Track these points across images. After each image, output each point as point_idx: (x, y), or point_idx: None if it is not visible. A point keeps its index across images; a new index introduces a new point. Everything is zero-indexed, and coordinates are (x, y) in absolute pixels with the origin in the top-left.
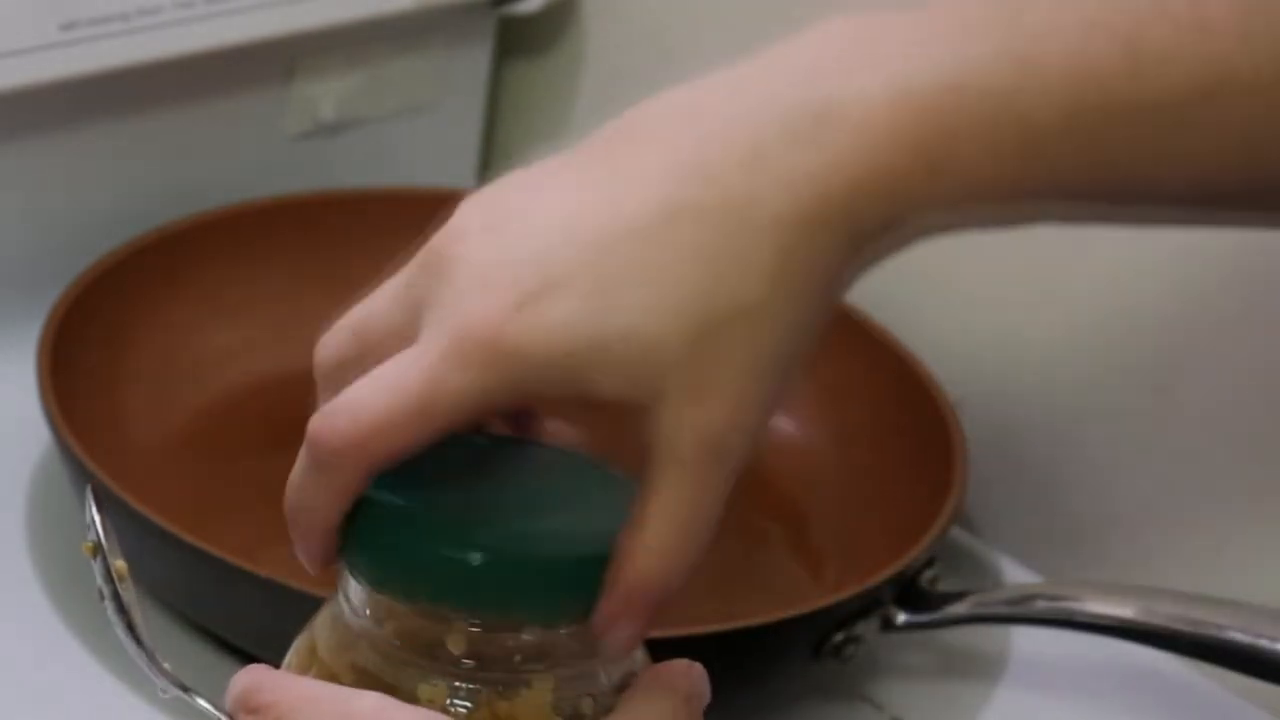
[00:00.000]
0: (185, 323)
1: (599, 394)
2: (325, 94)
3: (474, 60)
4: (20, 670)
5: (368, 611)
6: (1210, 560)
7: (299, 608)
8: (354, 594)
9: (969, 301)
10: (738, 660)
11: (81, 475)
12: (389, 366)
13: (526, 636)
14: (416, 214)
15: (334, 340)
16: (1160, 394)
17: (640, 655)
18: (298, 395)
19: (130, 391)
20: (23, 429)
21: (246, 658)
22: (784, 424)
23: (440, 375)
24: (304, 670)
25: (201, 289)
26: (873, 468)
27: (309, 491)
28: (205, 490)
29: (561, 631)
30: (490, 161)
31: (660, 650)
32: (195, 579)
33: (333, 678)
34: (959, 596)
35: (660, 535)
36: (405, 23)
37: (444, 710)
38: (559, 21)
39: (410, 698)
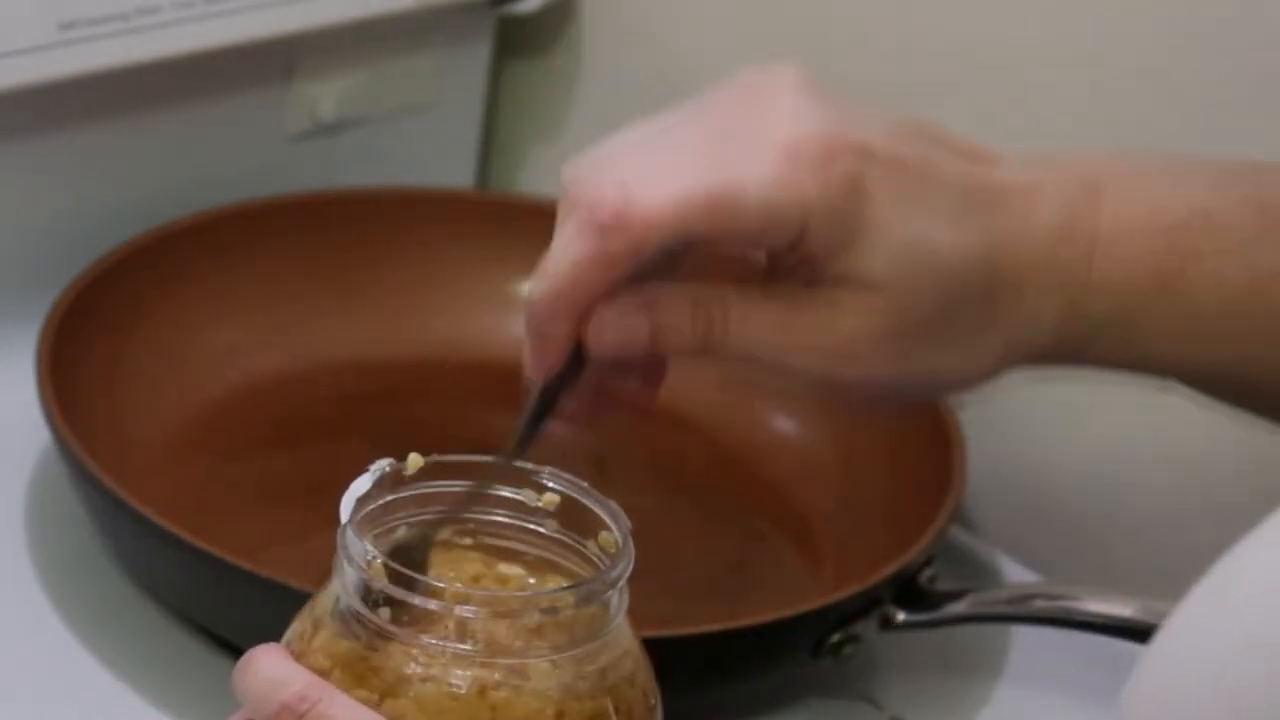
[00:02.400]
0: (185, 322)
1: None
2: (325, 94)
3: (473, 60)
4: (20, 670)
5: (361, 596)
6: (1210, 560)
7: (298, 607)
8: (350, 579)
9: None
10: (738, 659)
11: (81, 475)
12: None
13: (524, 621)
14: (416, 213)
15: None
16: (1161, 394)
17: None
18: (298, 395)
19: (130, 391)
20: (23, 429)
21: None
22: (784, 424)
23: (752, 176)
24: (302, 652)
25: (201, 289)
26: (872, 468)
27: (570, 263)
28: (205, 490)
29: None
30: (490, 161)
31: (661, 650)
32: (195, 579)
33: (327, 662)
34: (958, 596)
35: None
36: (405, 23)
37: (437, 690)
38: (558, 21)
39: (400, 677)
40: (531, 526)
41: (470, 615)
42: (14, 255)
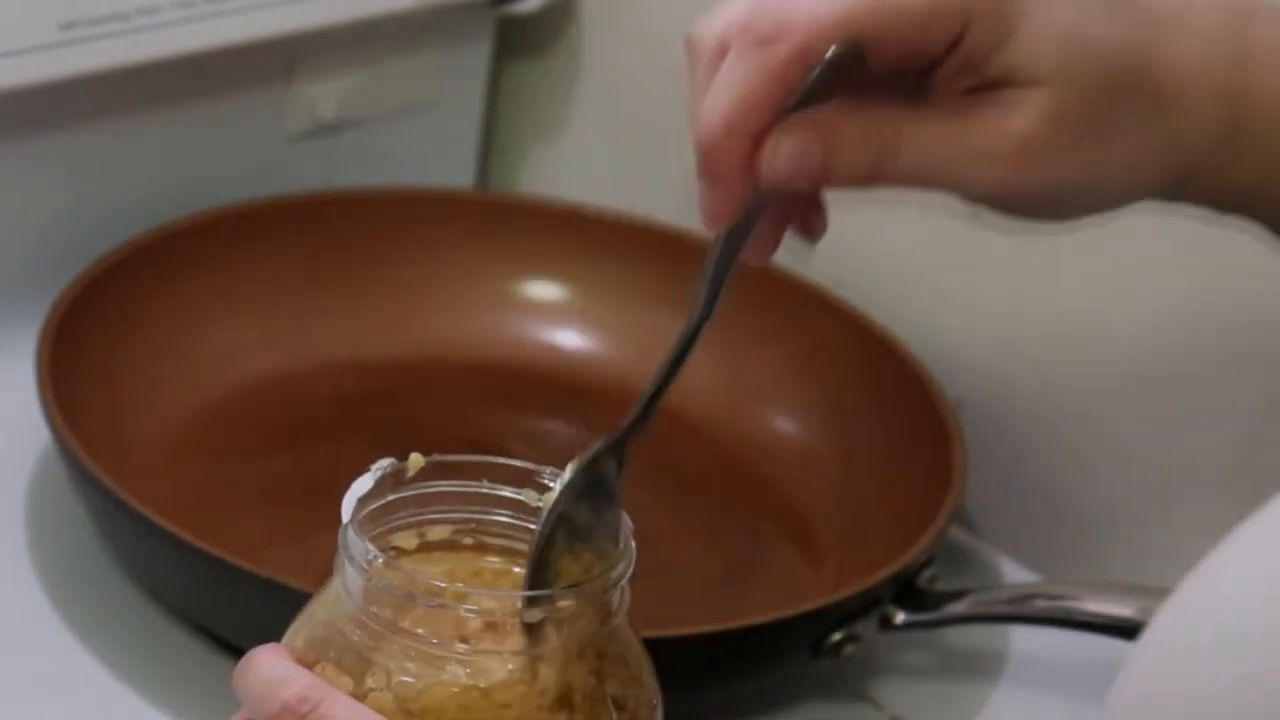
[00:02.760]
0: (185, 323)
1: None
2: (325, 94)
3: (473, 60)
4: (20, 670)
5: (362, 597)
6: None
7: (298, 607)
8: (350, 581)
9: (969, 302)
10: (738, 659)
11: (81, 475)
12: None
13: (525, 620)
14: (416, 213)
15: None
16: (1161, 394)
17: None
18: (298, 395)
19: (130, 391)
20: (23, 429)
21: None
22: (784, 424)
23: None
24: (301, 650)
25: (201, 289)
26: (873, 468)
27: (739, 85)
28: (205, 490)
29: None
30: (489, 161)
31: (661, 650)
32: (195, 579)
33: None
34: (958, 596)
35: None
36: (405, 23)
37: (437, 690)
38: (558, 21)
39: (401, 677)
40: (532, 526)
41: (471, 614)
42: (14, 255)
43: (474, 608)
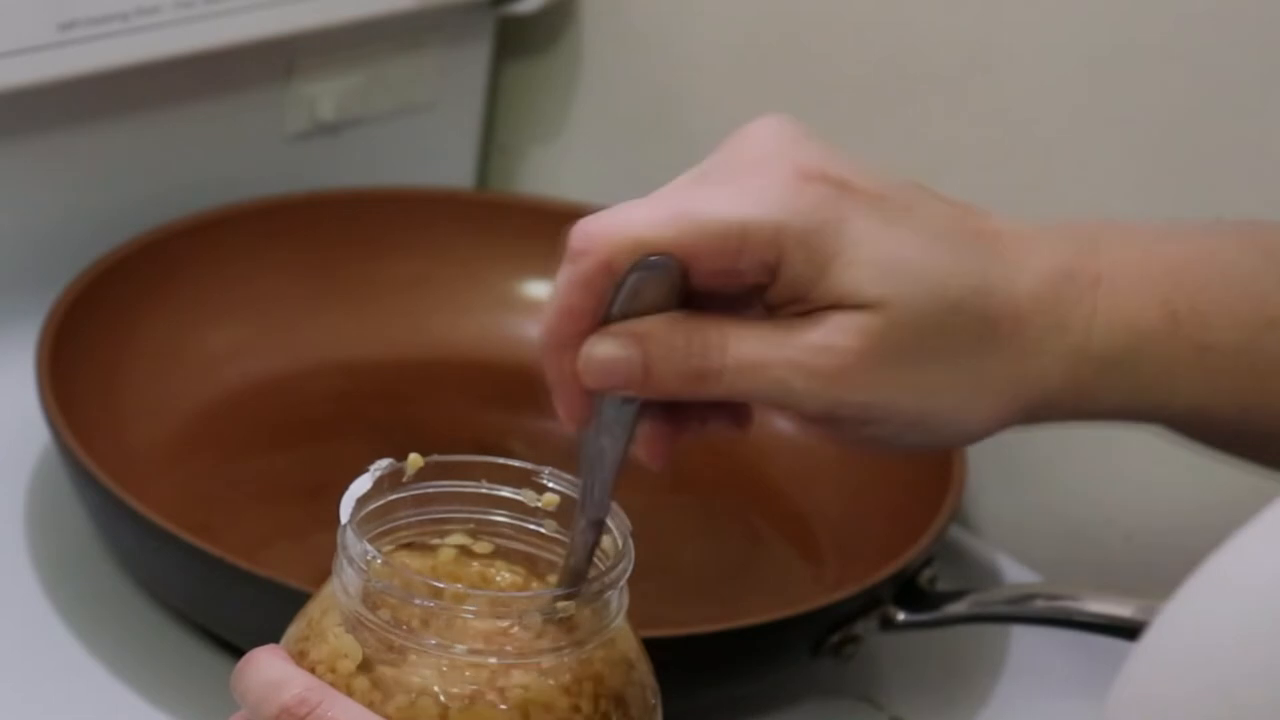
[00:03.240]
0: (185, 323)
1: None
2: (325, 94)
3: (473, 60)
4: (20, 670)
5: (361, 598)
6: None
7: (298, 607)
8: (349, 581)
9: None
10: (738, 659)
11: (81, 475)
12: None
13: (525, 621)
14: (416, 214)
15: None
16: None
17: (631, 642)
18: (297, 395)
19: (130, 391)
20: (23, 429)
21: None
22: (784, 424)
23: (722, 196)
24: (301, 653)
25: (201, 289)
26: (872, 467)
27: (554, 296)
28: (205, 490)
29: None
30: (489, 161)
31: (661, 650)
32: (195, 579)
33: (327, 663)
34: (958, 596)
35: None
36: (405, 23)
37: (436, 691)
38: (558, 21)
39: (400, 678)
40: (531, 526)
41: (470, 615)
42: (14, 255)
43: (472, 609)
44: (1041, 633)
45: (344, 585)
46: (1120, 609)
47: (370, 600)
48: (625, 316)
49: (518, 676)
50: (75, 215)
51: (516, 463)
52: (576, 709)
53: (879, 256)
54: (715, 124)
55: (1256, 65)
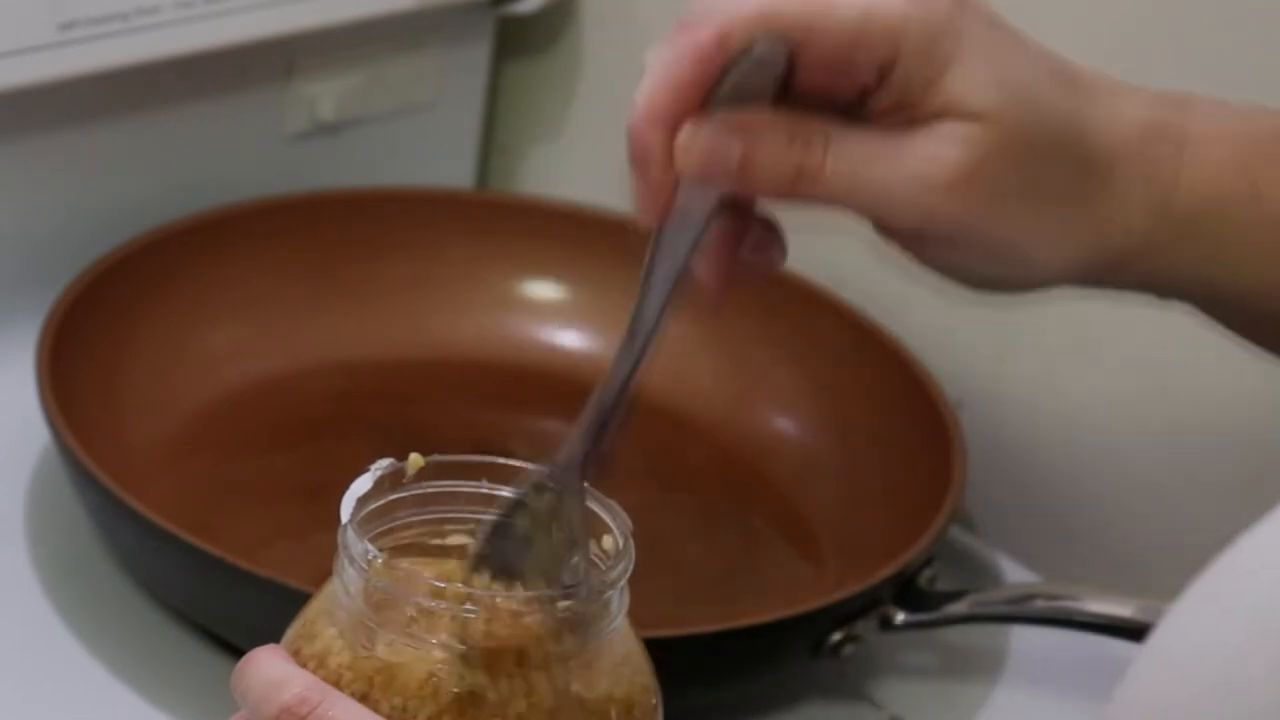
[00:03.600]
0: (185, 323)
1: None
2: (325, 94)
3: (473, 60)
4: (20, 670)
5: (362, 597)
6: (1208, 560)
7: (298, 607)
8: (350, 581)
9: (969, 302)
10: (737, 660)
11: (81, 475)
12: None
13: (525, 621)
14: (416, 214)
15: None
16: (1161, 395)
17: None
18: (297, 395)
19: (130, 391)
20: (23, 429)
21: None
22: (784, 424)
23: None
24: (302, 653)
25: (201, 289)
26: (872, 468)
27: (660, 66)
28: (205, 490)
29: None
30: (489, 161)
31: (661, 650)
32: (195, 579)
33: (327, 663)
34: (958, 596)
35: None
36: (405, 23)
37: (437, 690)
38: (558, 21)
39: (401, 678)
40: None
41: (471, 615)
42: (14, 255)
43: (474, 608)
44: (1041, 633)
45: (345, 585)
46: (1120, 609)
47: (371, 600)
48: (731, 104)
49: (520, 675)
50: (75, 215)
51: (517, 462)
52: (578, 710)
53: (995, 69)
54: None
55: (1256, 66)
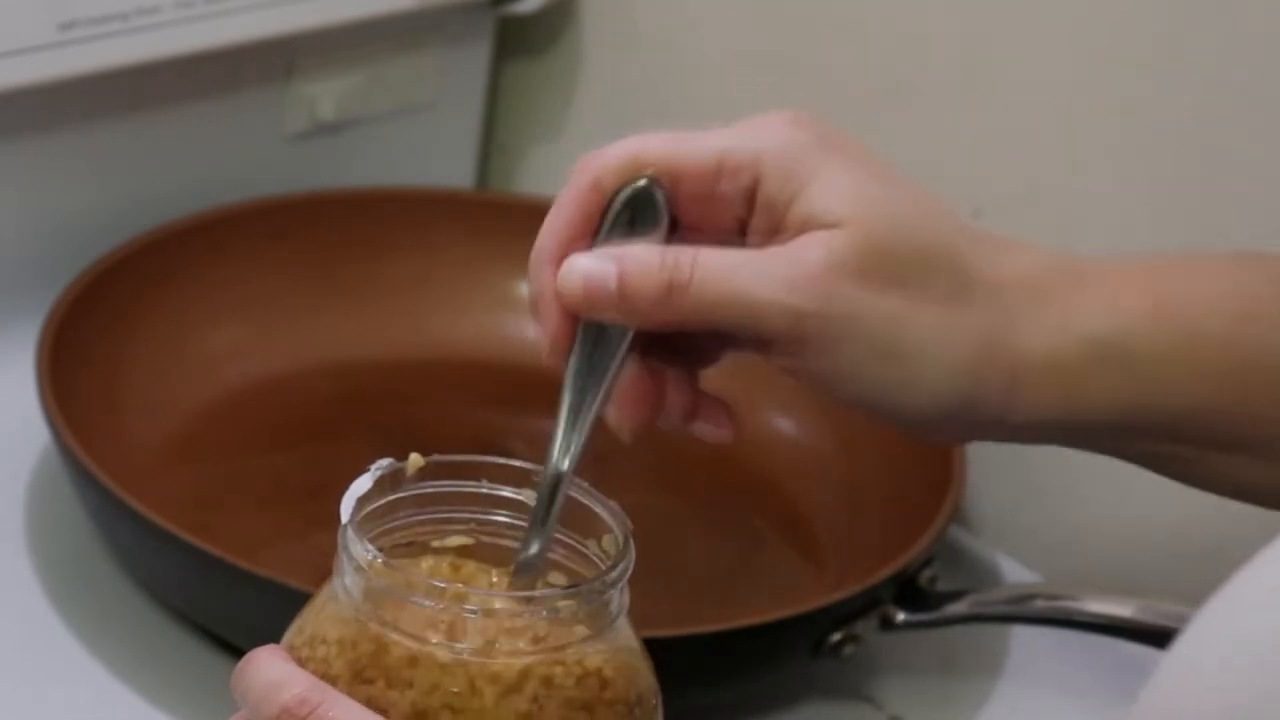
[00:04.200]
0: (185, 322)
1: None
2: (325, 94)
3: (473, 60)
4: (20, 670)
5: (362, 597)
6: (1209, 560)
7: (298, 607)
8: (351, 581)
9: None
10: (737, 659)
11: (81, 475)
12: None
13: (525, 621)
14: (416, 213)
15: None
16: None
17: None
18: (297, 395)
19: (130, 391)
20: (23, 429)
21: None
22: (784, 424)
23: (712, 132)
24: (301, 653)
25: (201, 289)
26: (872, 467)
27: (553, 210)
28: (205, 490)
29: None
30: (489, 161)
31: (661, 649)
32: (195, 579)
33: (327, 663)
34: (958, 596)
35: None
36: (405, 23)
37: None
38: (558, 21)
39: (400, 677)
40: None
41: (471, 615)
42: (14, 255)
43: (474, 608)
44: (1041, 633)
45: (345, 585)
46: (1120, 609)
47: (372, 600)
48: (618, 241)
49: (522, 674)
50: (75, 215)
51: (517, 462)
52: (577, 709)
53: (856, 185)
54: (715, 124)
55: (1256, 65)
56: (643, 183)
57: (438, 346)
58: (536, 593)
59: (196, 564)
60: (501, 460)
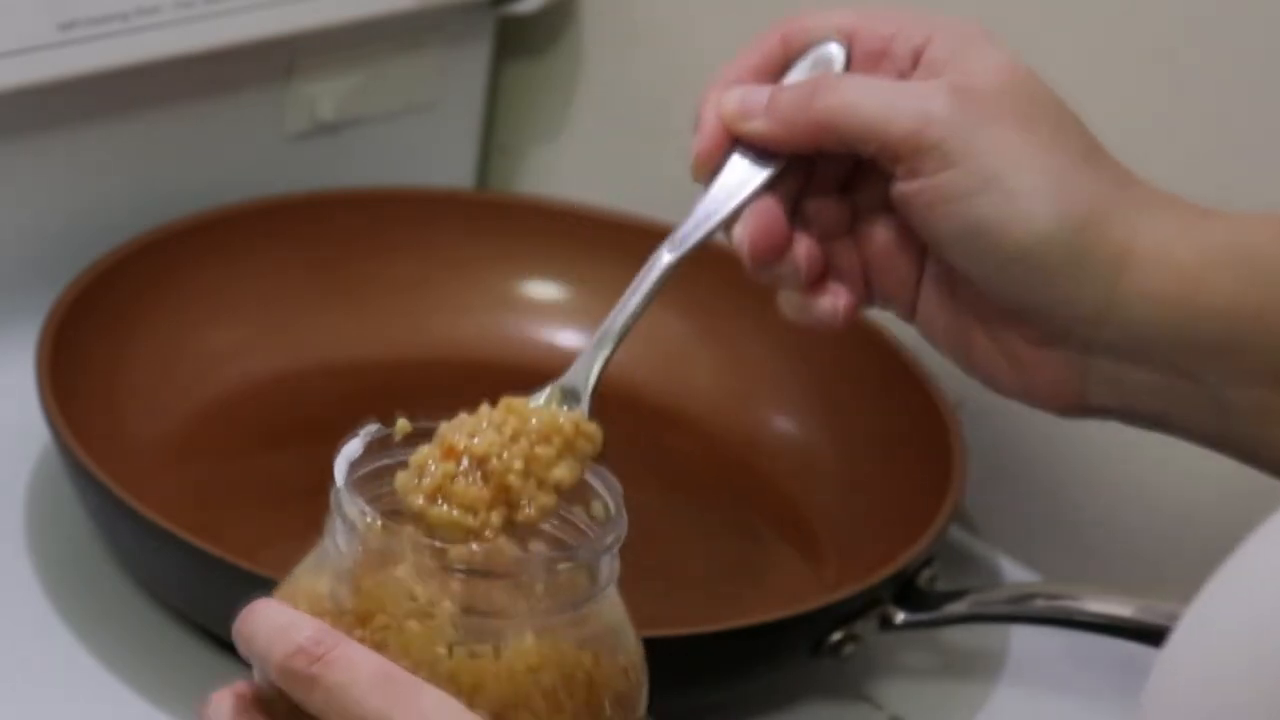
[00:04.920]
0: (185, 323)
1: None
2: (325, 93)
3: (473, 60)
4: (20, 670)
5: (356, 556)
6: (1209, 560)
7: None
8: (344, 541)
9: None
10: (737, 659)
11: (81, 475)
12: None
13: (516, 582)
14: (416, 213)
15: None
16: None
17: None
18: (297, 395)
19: (130, 391)
20: (23, 429)
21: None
22: (784, 424)
23: None
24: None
25: (201, 289)
26: (872, 467)
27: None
28: (205, 490)
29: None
30: (489, 161)
31: (661, 649)
32: (195, 579)
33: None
34: (958, 595)
35: None
36: (405, 23)
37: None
38: (558, 21)
39: (390, 635)
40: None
41: (461, 574)
42: (14, 255)
43: (463, 566)
44: (1041, 633)
45: (337, 545)
46: (1120, 609)
47: (365, 561)
48: None
49: (504, 636)
50: (75, 215)
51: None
52: (560, 674)
53: (1007, 60)
54: None
55: (1258, 65)
56: (828, 43)
57: (438, 346)
58: (535, 555)
59: (196, 564)
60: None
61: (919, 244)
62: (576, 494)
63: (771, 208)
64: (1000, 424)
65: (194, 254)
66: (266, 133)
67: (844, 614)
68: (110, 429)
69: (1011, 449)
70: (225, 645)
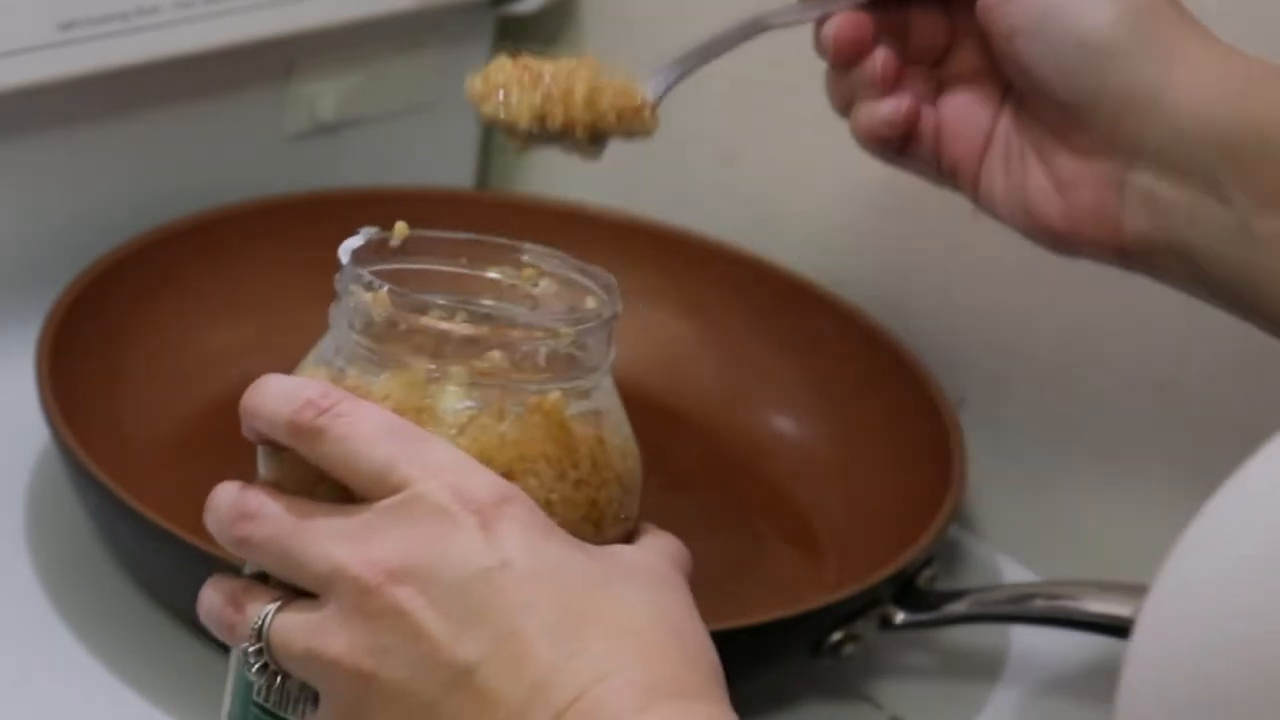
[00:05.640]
0: (185, 323)
1: None
2: (324, 94)
3: (473, 60)
4: (20, 670)
5: (366, 331)
6: None
7: None
8: (352, 315)
9: (969, 302)
10: (737, 659)
11: (81, 475)
12: None
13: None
14: (416, 214)
15: None
16: (1160, 394)
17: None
18: None
19: (130, 391)
20: (23, 429)
21: None
22: (784, 424)
23: None
24: None
25: (201, 289)
26: (872, 467)
27: None
28: (205, 490)
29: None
30: (489, 161)
31: None
32: (195, 579)
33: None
34: (957, 595)
35: None
36: (405, 23)
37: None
38: (558, 21)
39: (405, 403)
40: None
41: (468, 334)
42: (14, 255)
43: (470, 330)
44: (1041, 633)
45: (347, 320)
46: (1120, 609)
47: (373, 332)
48: None
49: (512, 405)
50: (75, 215)
51: (499, 239)
52: (577, 440)
53: None
54: (715, 124)
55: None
56: None
57: None
58: (546, 316)
59: (196, 564)
60: (483, 238)
61: (991, 107)
62: (569, 298)
63: (862, 19)
64: (1000, 424)
65: (194, 254)
66: (266, 133)
67: (844, 614)
68: (110, 429)
69: (1011, 449)
70: (225, 646)
